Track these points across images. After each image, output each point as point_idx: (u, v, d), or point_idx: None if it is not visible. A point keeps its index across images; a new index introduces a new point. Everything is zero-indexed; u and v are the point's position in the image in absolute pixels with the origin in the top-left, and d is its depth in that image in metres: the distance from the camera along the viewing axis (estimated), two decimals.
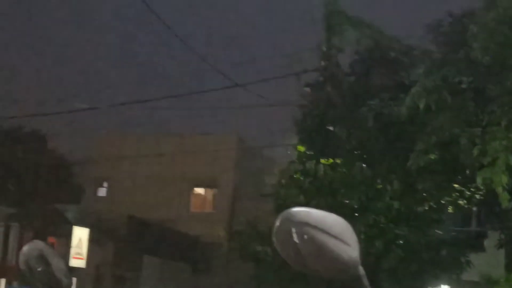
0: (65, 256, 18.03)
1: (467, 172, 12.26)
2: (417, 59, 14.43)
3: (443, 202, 19.81)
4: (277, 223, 1.85)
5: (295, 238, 1.81)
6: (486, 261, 21.86)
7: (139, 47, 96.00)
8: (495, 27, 10.37)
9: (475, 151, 9.94)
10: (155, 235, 30.50)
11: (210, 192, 37.88)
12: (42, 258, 2.89)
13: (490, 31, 10.41)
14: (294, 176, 21.77)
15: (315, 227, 1.82)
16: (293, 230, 1.81)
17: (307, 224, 1.82)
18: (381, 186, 20.47)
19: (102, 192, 39.51)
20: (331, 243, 1.81)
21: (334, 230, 1.83)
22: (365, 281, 1.86)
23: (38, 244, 3.01)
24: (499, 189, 9.62)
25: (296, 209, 1.88)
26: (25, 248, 2.95)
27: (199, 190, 38.13)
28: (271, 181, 24.23)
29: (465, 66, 10.93)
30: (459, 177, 15.84)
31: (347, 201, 19.78)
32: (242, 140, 37.04)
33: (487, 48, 10.42)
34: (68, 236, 19.57)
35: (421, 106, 11.49)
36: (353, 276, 1.85)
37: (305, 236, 1.80)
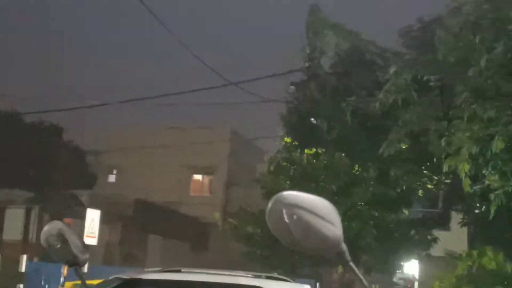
0: (80, 234, 17.92)
1: (435, 160, 12.21)
2: (390, 60, 14.38)
3: (413, 186, 19.83)
4: (270, 204, 1.84)
5: (286, 218, 1.80)
6: (451, 238, 21.92)
7: (141, 48, 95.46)
8: (458, 32, 10.36)
9: (442, 142, 9.93)
10: (159, 216, 30.55)
11: (207, 178, 37.99)
12: (61, 236, 2.88)
13: (455, 35, 10.39)
14: (281, 164, 21.81)
15: (303, 208, 1.80)
16: (284, 211, 1.81)
17: (296, 206, 1.81)
18: (358, 173, 20.51)
19: (112, 178, 39.58)
20: (318, 223, 1.80)
21: (320, 211, 1.81)
22: (347, 257, 1.84)
23: (57, 224, 3.00)
24: (463, 175, 9.61)
25: (287, 192, 1.87)
26: (46, 228, 2.94)
27: (198, 177, 38.26)
28: (261, 168, 24.24)
29: (432, 66, 10.92)
30: (428, 164, 15.85)
31: (328, 186, 19.81)
32: (235, 132, 37.20)
33: (452, 50, 10.41)
34: (82, 217, 19.47)
35: (390, 101, 11.43)
36: (337, 252, 1.82)
37: (295, 217, 1.80)
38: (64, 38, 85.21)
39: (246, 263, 18.91)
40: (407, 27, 15.30)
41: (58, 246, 2.88)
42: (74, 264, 2.99)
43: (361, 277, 1.86)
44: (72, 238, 2.94)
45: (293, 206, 1.81)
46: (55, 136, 42.62)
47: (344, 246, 1.84)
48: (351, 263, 1.85)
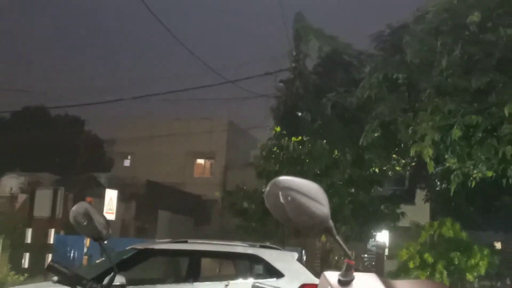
0: (100, 211, 17.91)
1: (403, 146, 12.26)
2: (365, 61, 14.38)
3: (384, 168, 19.89)
4: (268, 188, 1.87)
5: (281, 199, 1.81)
6: (415, 212, 22.02)
7: (151, 49, 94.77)
8: (423, 37, 10.37)
9: (409, 131, 9.95)
10: (167, 195, 30.55)
11: (208, 162, 37.97)
12: (87, 215, 2.88)
13: (419, 39, 10.41)
14: (272, 150, 21.82)
15: (296, 190, 1.81)
16: (280, 193, 1.81)
17: (290, 188, 1.82)
18: (337, 157, 20.53)
19: (127, 163, 39.50)
20: (309, 203, 1.81)
21: (310, 193, 1.83)
22: (334, 231, 1.86)
23: (83, 204, 3.01)
24: (427, 159, 9.64)
25: (282, 177, 1.89)
26: (74, 208, 2.96)
27: (200, 161, 38.25)
28: (254, 153, 24.22)
29: (401, 67, 10.92)
30: (396, 149, 15.89)
31: (311, 169, 19.82)
32: (232, 123, 37.14)
33: (417, 52, 10.43)
34: (101, 196, 19.48)
35: (365, 96, 11.45)
36: (325, 228, 1.83)
37: (289, 198, 1.81)
38: (84, 39, 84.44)
39: (242, 234, 18.91)
40: (378, 32, 15.25)
41: (85, 223, 2.89)
42: (99, 239, 3.00)
43: (345, 247, 1.88)
44: (96, 217, 2.95)
45: (287, 189, 1.82)
46: (77, 127, 42.64)
47: (331, 222, 1.85)
48: (337, 237, 1.86)
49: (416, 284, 1.82)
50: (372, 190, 21.43)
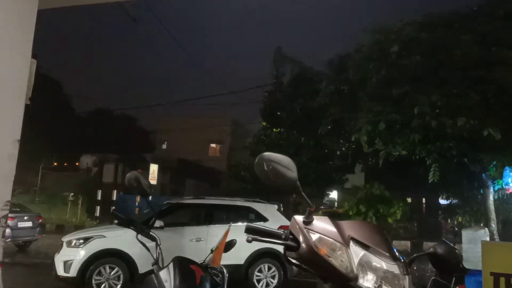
0: (146, 178, 17.80)
1: (347, 134, 12.23)
2: (322, 78, 14.28)
3: (335, 149, 19.90)
4: (256, 160, 1.80)
5: (265, 168, 1.75)
6: (355, 178, 22.05)
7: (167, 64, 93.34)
8: (360, 62, 10.29)
9: (352, 124, 9.89)
10: (192, 168, 30.61)
11: (218, 146, 37.80)
12: (136, 179, 2.82)
13: (358, 63, 10.33)
14: (260, 138, 21.77)
15: (275, 162, 1.76)
16: (264, 163, 1.76)
17: (271, 160, 1.76)
18: (303, 142, 20.52)
19: (164, 146, 39.34)
20: (283, 170, 1.75)
21: (284, 163, 1.77)
22: (300, 189, 1.81)
23: (134, 172, 2.94)
24: (363, 143, 9.58)
25: (266, 153, 1.83)
26: (128, 174, 2.90)
27: (213, 145, 38.05)
28: (249, 140, 24.18)
29: (345, 82, 10.84)
30: (343, 136, 15.89)
31: (286, 150, 19.80)
32: (234, 120, 37.13)
33: (356, 72, 10.35)
34: (148, 168, 19.38)
35: (323, 102, 11.37)
36: (295, 187, 1.79)
37: (270, 167, 1.75)
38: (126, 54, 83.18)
39: (242, 193, 18.87)
40: (331, 59, 15.19)
41: (135, 185, 2.83)
42: (145, 195, 2.94)
43: (308, 200, 1.82)
44: (143, 180, 2.88)
45: (269, 160, 1.77)
46: (131, 122, 42.53)
47: (298, 183, 1.81)
48: (303, 193, 1.82)
49: (355, 223, 1.77)
50: (327, 164, 21.45)
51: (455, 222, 16.47)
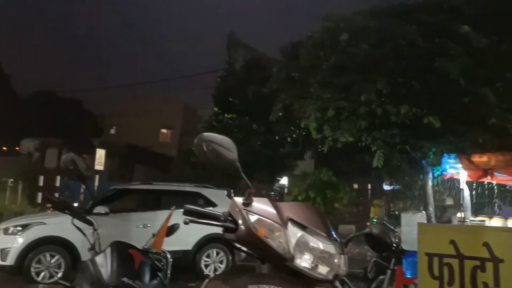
0: (92, 164, 17.27)
1: (297, 121, 12.36)
2: (274, 64, 14.31)
3: (285, 136, 20.15)
4: (195, 140, 1.77)
5: (204, 148, 1.73)
6: (305, 164, 22.53)
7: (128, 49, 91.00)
8: (311, 49, 10.37)
9: (301, 110, 9.99)
10: (141, 153, 30.00)
11: (169, 131, 37.30)
12: (72, 162, 2.71)
13: (309, 51, 10.41)
14: (212, 123, 21.64)
15: (214, 142, 1.74)
16: (203, 144, 1.74)
17: (210, 141, 1.74)
18: (255, 128, 20.60)
19: (112, 131, 38.17)
20: (223, 151, 1.74)
21: (224, 143, 1.75)
22: (240, 170, 1.80)
23: (70, 154, 2.85)
24: (312, 129, 9.74)
25: (205, 133, 1.81)
26: (63, 156, 2.81)
27: (164, 130, 37.49)
28: (201, 125, 23.97)
29: (296, 68, 10.91)
30: (293, 123, 16.10)
31: (237, 136, 19.82)
32: (186, 105, 36.68)
33: (307, 59, 10.43)
34: (94, 153, 18.75)
35: (274, 87, 11.40)
36: (235, 168, 1.76)
37: (210, 147, 1.73)
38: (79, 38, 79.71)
39: (192, 179, 18.75)
40: (283, 46, 15.25)
41: (71, 167, 2.71)
42: (82, 178, 2.81)
43: (248, 181, 1.81)
44: (80, 163, 2.76)
45: (209, 141, 1.75)
46: (77, 106, 40.95)
47: (238, 164, 1.79)
48: (242, 174, 1.80)
49: (294, 205, 1.79)
50: (278, 150, 21.70)
51: (398, 207, 17.25)
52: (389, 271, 5.14)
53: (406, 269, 4.56)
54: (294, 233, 1.68)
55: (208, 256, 8.45)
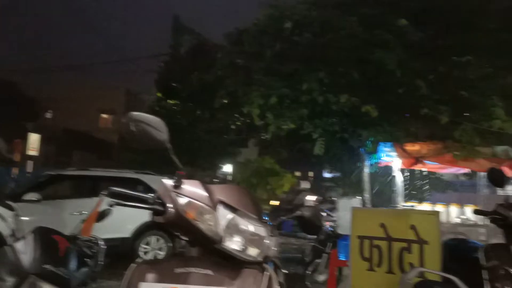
0: (25, 148, 16.32)
1: (242, 108, 12.35)
2: (219, 50, 14.14)
3: (229, 123, 20.10)
4: (123, 120, 1.70)
5: (132, 128, 1.68)
6: (248, 152, 22.66)
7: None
8: (256, 35, 10.33)
9: (245, 98, 9.95)
10: (80, 138, 28.99)
11: (110, 116, 36.05)
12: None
13: (253, 37, 10.38)
14: (154, 109, 21.17)
15: (143, 122, 1.69)
16: (131, 124, 1.68)
17: (138, 120, 1.69)
18: (199, 115, 20.40)
19: (48, 115, 36.15)
20: (152, 131, 1.69)
21: (154, 124, 1.70)
22: (171, 151, 1.75)
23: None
24: (255, 116, 9.74)
25: (133, 112, 1.74)
26: None
27: (104, 115, 36.22)
28: (143, 111, 23.29)
29: (241, 55, 10.85)
30: (238, 110, 16.02)
31: (181, 122, 19.55)
32: (128, 90, 35.63)
33: (252, 45, 10.39)
34: (26, 138, 17.74)
35: (218, 74, 11.27)
36: (165, 148, 1.72)
37: (138, 127, 1.69)
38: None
39: (133, 165, 18.23)
40: (229, 32, 15.05)
41: None
42: (5, 162, 2.62)
43: (178, 163, 1.77)
44: (1, 145, 2.56)
45: (137, 121, 1.69)
46: (8, 87, 38.43)
47: (169, 145, 1.75)
48: (173, 156, 1.76)
49: (225, 187, 1.77)
50: (222, 137, 21.63)
51: (337, 193, 17.87)
52: (325, 255, 5.32)
53: (340, 252, 4.74)
54: (225, 215, 1.66)
55: (147, 244, 8.30)
